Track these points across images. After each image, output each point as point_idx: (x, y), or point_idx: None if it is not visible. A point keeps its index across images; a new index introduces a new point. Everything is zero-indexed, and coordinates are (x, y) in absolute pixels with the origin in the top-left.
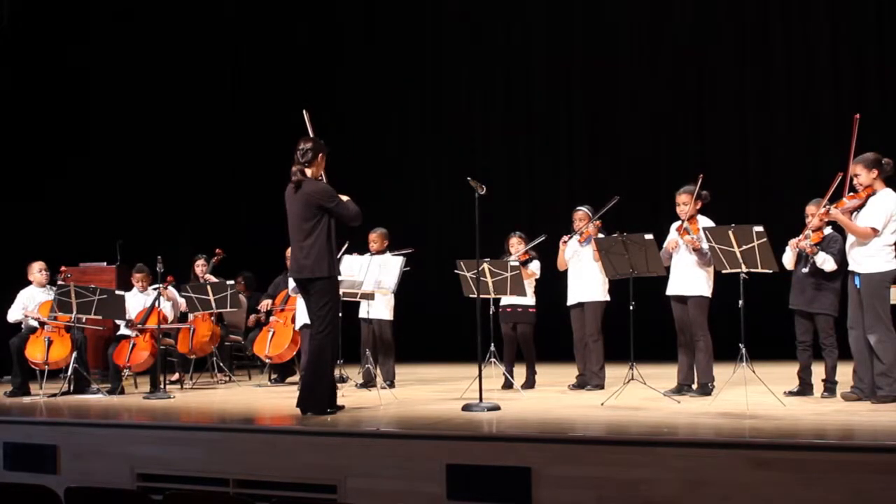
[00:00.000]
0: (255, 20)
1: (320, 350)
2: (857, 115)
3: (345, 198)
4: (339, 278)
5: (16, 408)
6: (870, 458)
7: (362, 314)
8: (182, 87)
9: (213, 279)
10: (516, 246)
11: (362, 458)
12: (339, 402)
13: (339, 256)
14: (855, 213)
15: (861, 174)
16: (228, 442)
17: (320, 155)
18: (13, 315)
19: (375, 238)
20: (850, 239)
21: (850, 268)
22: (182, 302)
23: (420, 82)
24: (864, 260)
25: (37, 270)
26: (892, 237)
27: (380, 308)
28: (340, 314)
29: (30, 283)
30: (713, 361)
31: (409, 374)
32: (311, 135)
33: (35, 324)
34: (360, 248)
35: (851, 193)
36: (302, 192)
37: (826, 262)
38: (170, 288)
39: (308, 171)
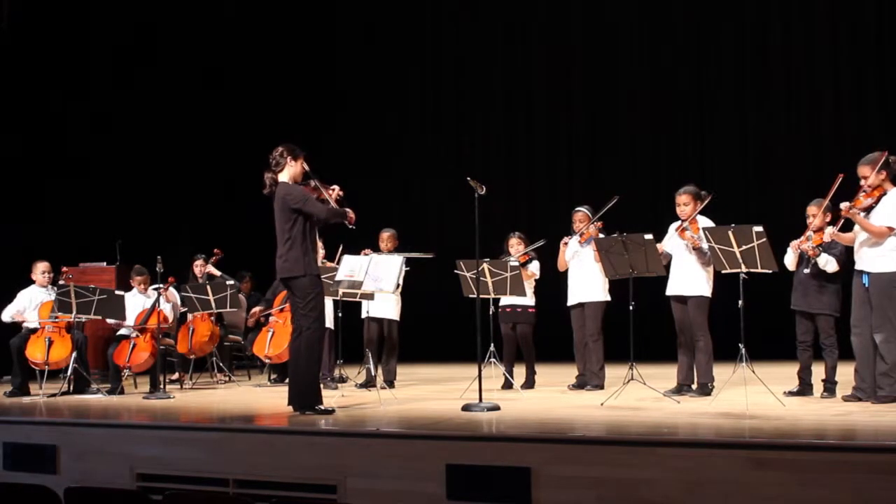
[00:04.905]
0: (253, 21)
1: (310, 346)
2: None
3: (334, 190)
4: (338, 278)
5: (16, 408)
6: (870, 458)
7: (366, 313)
8: (181, 85)
9: (216, 272)
10: (516, 246)
11: (362, 458)
12: (338, 402)
13: (337, 257)
14: (864, 213)
15: (870, 176)
16: (228, 442)
17: (289, 158)
18: (6, 315)
19: (387, 238)
20: (861, 238)
21: (859, 266)
22: (178, 302)
23: (420, 82)
24: (876, 259)
25: (40, 272)
26: None
27: (389, 308)
28: (341, 314)
29: (33, 281)
30: (713, 361)
31: (410, 374)
32: (327, 196)
33: (35, 325)
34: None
35: (865, 193)
36: (277, 196)
37: (829, 264)
38: (171, 289)
39: (283, 176)
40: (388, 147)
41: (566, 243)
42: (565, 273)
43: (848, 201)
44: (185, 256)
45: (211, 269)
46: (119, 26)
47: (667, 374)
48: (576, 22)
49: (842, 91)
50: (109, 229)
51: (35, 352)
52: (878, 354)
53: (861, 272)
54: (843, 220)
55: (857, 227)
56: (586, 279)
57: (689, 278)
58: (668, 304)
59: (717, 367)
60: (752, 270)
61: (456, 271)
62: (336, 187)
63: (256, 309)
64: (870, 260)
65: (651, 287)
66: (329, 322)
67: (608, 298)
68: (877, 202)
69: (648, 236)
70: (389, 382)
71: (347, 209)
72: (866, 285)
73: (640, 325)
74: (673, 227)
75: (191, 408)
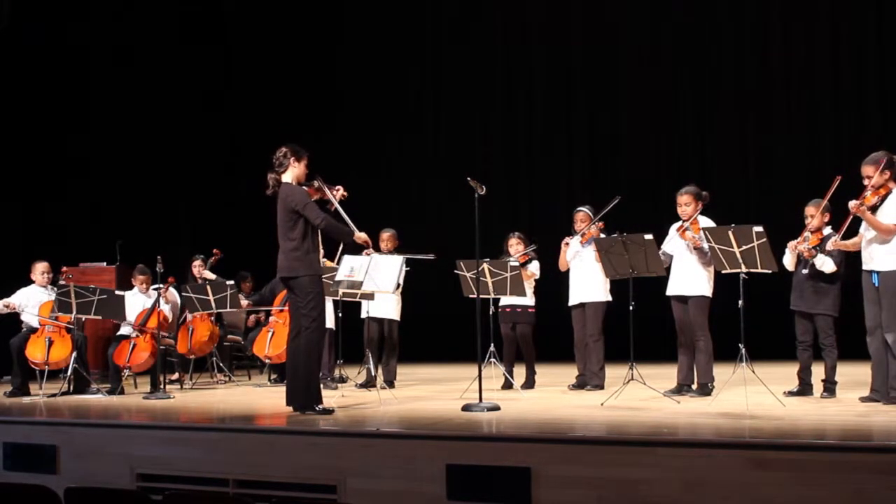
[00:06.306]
0: (254, 21)
1: (310, 346)
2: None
3: (338, 191)
4: (338, 278)
5: (16, 408)
6: (870, 458)
7: (366, 313)
8: (180, 84)
9: (211, 276)
10: (515, 246)
11: (362, 458)
12: (338, 402)
13: (337, 257)
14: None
15: (874, 176)
16: (228, 442)
17: (293, 159)
18: None
19: (387, 238)
20: (868, 236)
21: (868, 267)
22: (177, 302)
23: (419, 82)
24: (884, 257)
25: (39, 272)
26: None
27: (389, 308)
28: (340, 314)
29: (32, 282)
30: (713, 361)
31: (410, 374)
32: (331, 197)
33: (35, 324)
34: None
35: (872, 191)
36: (280, 197)
37: (825, 264)
38: (171, 289)
39: (286, 176)
40: (388, 147)
41: (567, 244)
42: (565, 273)
43: (853, 200)
44: (185, 256)
45: (207, 273)
46: (120, 25)
47: (667, 374)
48: (576, 22)
49: (842, 91)
50: (109, 229)
51: (35, 352)
52: (890, 354)
53: (871, 272)
54: (846, 223)
55: (861, 230)
56: (587, 279)
57: (689, 278)
58: (668, 304)
59: (717, 367)
60: (752, 270)
61: (456, 271)
62: (340, 188)
63: (244, 302)
64: (880, 258)
65: (651, 287)
66: (329, 322)
67: (609, 299)
68: (881, 202)
69: (648, 236)
70: (389, 382)
71: (361, 233)
72: (876, 285)
73: (640, 325)
74: (674, 227)
75: (191, 408)
